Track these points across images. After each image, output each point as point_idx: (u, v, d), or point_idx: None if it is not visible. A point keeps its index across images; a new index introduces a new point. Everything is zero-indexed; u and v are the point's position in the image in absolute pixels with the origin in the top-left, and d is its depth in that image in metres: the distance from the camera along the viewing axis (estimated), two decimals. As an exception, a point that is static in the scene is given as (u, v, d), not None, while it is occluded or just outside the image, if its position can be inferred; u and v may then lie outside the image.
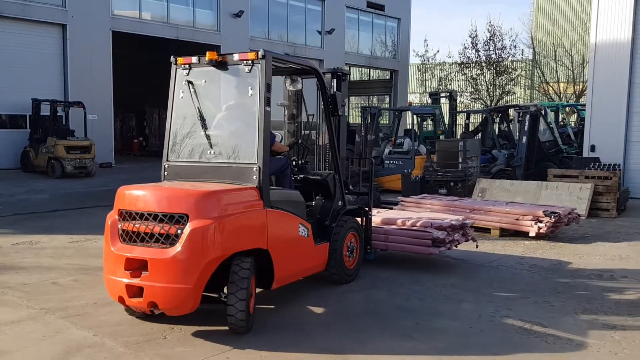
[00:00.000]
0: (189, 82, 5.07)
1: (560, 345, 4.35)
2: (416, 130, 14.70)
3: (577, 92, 32.12)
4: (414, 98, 34.63)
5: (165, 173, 5.15)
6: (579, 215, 9.05)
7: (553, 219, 8.18)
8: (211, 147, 4.99)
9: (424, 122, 16.73)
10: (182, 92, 5.13)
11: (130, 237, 4.45)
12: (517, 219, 8.50)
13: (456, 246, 6.77)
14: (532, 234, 8.21)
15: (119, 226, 4.53)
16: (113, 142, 20.13)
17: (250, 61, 4.80)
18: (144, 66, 26.38)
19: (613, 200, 10.41)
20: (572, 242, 8.20)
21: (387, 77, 31.58)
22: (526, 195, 10.67)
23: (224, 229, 4.34)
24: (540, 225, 8.18)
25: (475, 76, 31.29)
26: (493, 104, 30.49)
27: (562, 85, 32.96)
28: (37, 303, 5.32)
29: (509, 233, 8.53)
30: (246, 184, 4.71)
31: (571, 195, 10.50)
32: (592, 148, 13.39)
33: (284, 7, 25.47)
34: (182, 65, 5.12)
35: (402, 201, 9.88)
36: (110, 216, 4.66)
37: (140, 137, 25.68)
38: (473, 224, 8.80)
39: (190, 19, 21.91)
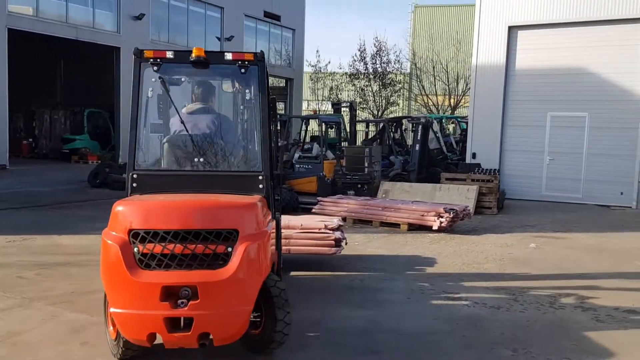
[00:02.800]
0: (162, 79, 4.44)
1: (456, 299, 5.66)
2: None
3: (452, 105, 35.51)
4: (306, 105, 36.12)
5: (134, 184, 4.32)
6: (470, 212, 10.72)
7: (451, 215, 9.71)
8: (199, 154, 4.48)
9: (328, 130, 18.03)
10: (151, 90, 4.50)
11: (159, 262, 3.73)
12: (422, 215, 9.93)
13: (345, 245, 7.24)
14: (435, 227, 9.67)
15: (136, 249, 3.73)
16: (7, 143, 19.27)
17: (246, 62, 4.49)
18: (34, 65, 25.30)
19: (494, 200, 12.31)
20: (467, 234, 9.77)
21: (282, 84, 32.76)
22: (423, 195, 12.25)
23: (268, 243, 4.11)
24: (442, 220, 9.67)
25: (363, 87, 33.50)
26: (379, 114, 32.83)
27: (439, 97, 36.23)
28: (15, 294, 5.68)
29: (415, 227, 9.93)
30: (253, 194, 4.32)
31: (460, 195, 12.24)
32: (474, 155, 15.43)
33: (184, 13, 25.72)
34: (151, 60, 4.41)
35: (320, 201, 11.01)
36: (113, 238, 3.80)
37: (30, 139, 24.56)
38: (386, 219, 10.19)
39: (89, 19, 21.52)
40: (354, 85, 33.66)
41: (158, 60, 4.40)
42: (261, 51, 4.59)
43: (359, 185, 12.84)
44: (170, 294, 3.70)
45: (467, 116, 24.33)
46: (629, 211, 13.36)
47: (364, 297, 5.94)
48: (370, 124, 19.51)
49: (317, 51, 59.50)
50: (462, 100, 34.30)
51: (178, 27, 25.41)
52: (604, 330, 5.08)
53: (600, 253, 8.51)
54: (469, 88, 28.91)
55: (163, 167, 4.58)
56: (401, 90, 35.66)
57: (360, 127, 20.92)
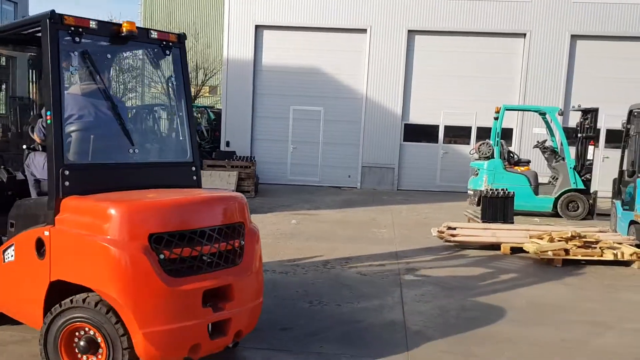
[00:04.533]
0: (85, 54, 3.86)
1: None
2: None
3: (194, 95, 36.14)
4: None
5: (66, 183, 3.61)
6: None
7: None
8: (132, 143, 4.02)
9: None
10: (73, 66, 3.96)
11: (190, 266, 3.49)
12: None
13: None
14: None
15: (162, 256, 3.36)
16: None
17: (169, 43, 4.14)
18: None
19: (252, 184, 13.59)
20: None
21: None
22: (187, 182, 12.83)
23: None
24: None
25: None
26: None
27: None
28: None
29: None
30: (187, 185, 4.19)
31: (222, 180, 13.21)
32: (228, 144, 16.53)
33: None
34: (70, 28, 3.65)
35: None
36: (127, 246, 3.29)
37: None
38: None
39: None
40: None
41: (80, 29, 3.69)
42: (184, 33, 4.33)
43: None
44: (212, 298, 3.55)
45: (213, 106, 25.42)
46: (355, 191, 16.06)
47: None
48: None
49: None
50: (202, 90, 35.24)
51: None
52: (367, 279, 6.59)
53: (346, 224, 10.38)
54: (209, 78, 29.99)
55: (97, 160, 3.91)
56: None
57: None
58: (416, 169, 16.46)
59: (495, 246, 8.27)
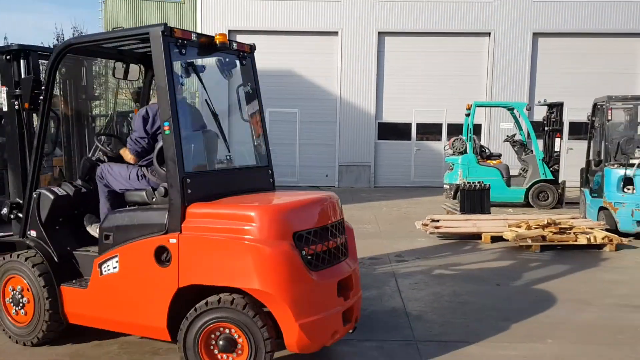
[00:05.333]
0: (193, 66, 4.14)
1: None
2: None
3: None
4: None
5: (188, 190, 3.75)
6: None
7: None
8: (228, 150, 4.53)
9: None
10: (182, 76, 4.13)
11: (322, 259, 3.80)
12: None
13: None
14: None
15: (304, 252, 3.64)
16: None
17: (245, 53, 4.39)
18: None
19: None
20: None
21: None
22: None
23: None
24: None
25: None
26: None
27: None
28: None
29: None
30: (266, 189, 4.51)
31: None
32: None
33: None
34: (178, 41, 3.82)
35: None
36: (279, 245, 3.52)
37: None
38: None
39: None
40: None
41: (185, 42, 3.85)
42: (254, 44, 4.53)
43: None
44: (341, 288, 3.89)
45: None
46: (333, 189, 16.41)
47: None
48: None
49: (6, 38, 52.34)
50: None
51: None
52: (363, 271, 6.94)
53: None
54: (180, 83, 29.85)
55: (210, 168, 4.31)
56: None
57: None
58: (391, 166, 16.95)
59: (476, 236, 8.75)
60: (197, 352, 3.64)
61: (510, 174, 12.70)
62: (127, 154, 4.35)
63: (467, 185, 10.30)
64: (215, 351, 3.67)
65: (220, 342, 3.62)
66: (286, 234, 3.59)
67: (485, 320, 5.22)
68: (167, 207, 3.80)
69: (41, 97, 4.30)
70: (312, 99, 16.80)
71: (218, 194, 3.94)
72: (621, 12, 16.48)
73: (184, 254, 3.65)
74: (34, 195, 4.42)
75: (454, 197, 11.64)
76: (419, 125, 16.95)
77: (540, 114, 14.22)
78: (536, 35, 16.58)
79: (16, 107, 4.62)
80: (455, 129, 15.86)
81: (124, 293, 3.93)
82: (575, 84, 16.16)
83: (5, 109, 4.68)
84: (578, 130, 15.97)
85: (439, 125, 16.90)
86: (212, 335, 3.66)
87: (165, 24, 3.73)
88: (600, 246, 8.12)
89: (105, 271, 3.97)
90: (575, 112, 15.41)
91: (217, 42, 3.95)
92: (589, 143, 10.52)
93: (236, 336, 3.61)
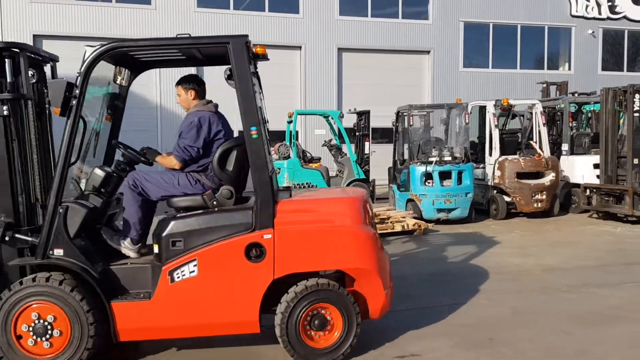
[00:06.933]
0: (255, 74, 4.25)
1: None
2: None
3: None
4: None
5: (274, 188, 4.28)
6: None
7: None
8: (268, 152, 4.68)
9: None
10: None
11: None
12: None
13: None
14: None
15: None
16: None
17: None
18: None
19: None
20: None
21: None
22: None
23: None
24: None
25: None
26: None
27: None
28: None
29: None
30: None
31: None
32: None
33: None
34: (251, 51, 4.12)
35: None
36: (369, 229, 4.25)
37: None
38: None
39: None
40: None
41: (253, 52, 4.15)
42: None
43: None
44: None
45: None
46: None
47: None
48: None
49: None
50: None
51: None
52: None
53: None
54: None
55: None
56: None
57: None
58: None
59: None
60: (298, 334, 4.02)
61: (330, 175, 14.00)
62: (171, 160, 4.32)
63: (296, 188, 11.22)
64: (311, 331, 4.10)
65: (316, 322, 4.08)
66: (366, 219, 4.24)
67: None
68: (247, 206, 4.10)
69: (73, 102, 3.93)
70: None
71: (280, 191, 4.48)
72: (410, 32, 19.11)
73: (280, 247, 3.97)
74: (60, 210, 3.98)
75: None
76: (240, 133, 17.58)
77: (350, 121, 15.88)
78: (340, 50, 18.38)
79: (5, 112, 4.04)
80: (276, 136, 16.83)
81: (207, 295, 4.00)
82: (375, 94, 18.28)
83: None
84: (379, 135, 18.09)
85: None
86: (308, 317, 4.08)
87: (247, 35, 4.09)
88: (412, 232, 9.59)
89: (178, 277, 3.97)
90: (378, 119, 17.47)
91: (259, 53, 4.19)
92: (395, 145, 12.21)
93: (328, 314, 4.10)
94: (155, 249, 4.07)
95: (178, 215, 4.18)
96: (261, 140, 4.02)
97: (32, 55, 4.33)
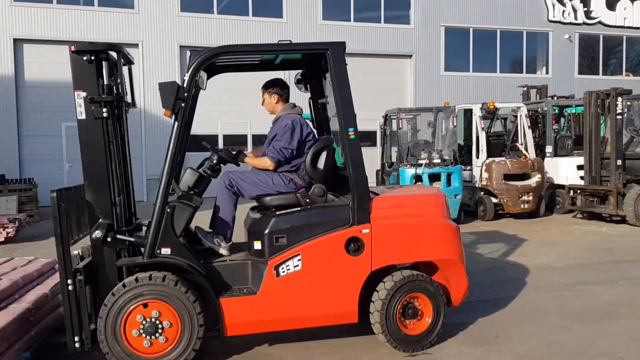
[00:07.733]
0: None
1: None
2: None
3: None
4: None
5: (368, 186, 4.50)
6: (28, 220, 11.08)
7: (17, 224, 10.01)
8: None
9: None
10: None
11: None
12: (-14, 229, 9.79)
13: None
14: (1, 239, 9.75)
15: None
16: None
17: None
18: None
19: (36, 207, 12.79)
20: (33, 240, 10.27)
21: None
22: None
23: None
24: (9, 230, 9.85)
25: None
26: None
27: None
28: None
29: (-21, 242, 9.67)
30: None
31: (1, 206, 12.17)
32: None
33: None
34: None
35: None
36: (451, 221, 4.65)
37: None
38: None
39: None
40: None
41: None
42: None
43: None
44: None
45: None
46: (142, 204, 16.09)
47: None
48: None
49: None
50: None
51: None
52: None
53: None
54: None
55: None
56: None
57: None
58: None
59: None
60: (394, 321, 4.28)
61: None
62: (266, 161, 4.53)
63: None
64: (405, 319, 4.36)
65: (409, 310, 4.35)
66: (449, 213, 4.66)
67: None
68: (344, 203, 4.31)
69: (182, 105, 4.00)
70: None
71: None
72: (392, 37, 19.27)
73: (377, 241, 4.22)
74: (167, 210, 4.05)
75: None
76: (225, 137, 17.54)
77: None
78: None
79: (104, 114, 4.02)
80: (259, 140, 16.85)
81: (310, 288, 4.17)
82: (357, 98, 18.23)
83: (83, 116, 4.03)
84: (366, 138, 18.19)
85: (244, 137, 17.72)
86: (403, 305, 4.34)
87: (344, 42, 4.34)
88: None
89: (283, 272, 4.13)
90: (359, 122, 17.53)
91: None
92: (383, 149, 12.32)
93: (418, 304, 4.38)
94: (257, 246, 4.21)
95: (278, 213, 4.34)
96: (357, 140, 4.22)
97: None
